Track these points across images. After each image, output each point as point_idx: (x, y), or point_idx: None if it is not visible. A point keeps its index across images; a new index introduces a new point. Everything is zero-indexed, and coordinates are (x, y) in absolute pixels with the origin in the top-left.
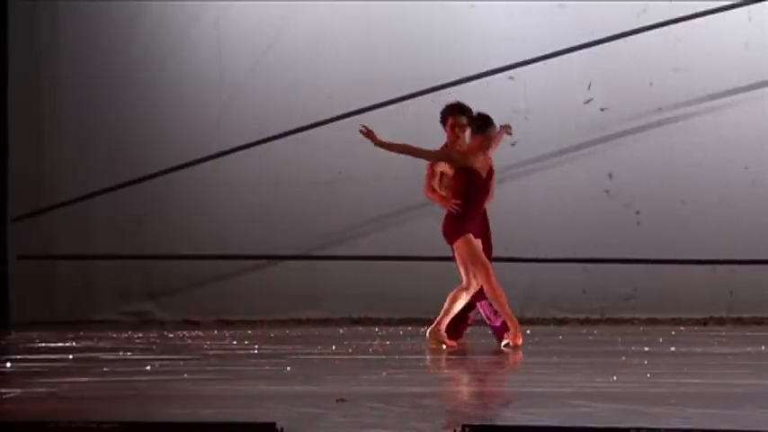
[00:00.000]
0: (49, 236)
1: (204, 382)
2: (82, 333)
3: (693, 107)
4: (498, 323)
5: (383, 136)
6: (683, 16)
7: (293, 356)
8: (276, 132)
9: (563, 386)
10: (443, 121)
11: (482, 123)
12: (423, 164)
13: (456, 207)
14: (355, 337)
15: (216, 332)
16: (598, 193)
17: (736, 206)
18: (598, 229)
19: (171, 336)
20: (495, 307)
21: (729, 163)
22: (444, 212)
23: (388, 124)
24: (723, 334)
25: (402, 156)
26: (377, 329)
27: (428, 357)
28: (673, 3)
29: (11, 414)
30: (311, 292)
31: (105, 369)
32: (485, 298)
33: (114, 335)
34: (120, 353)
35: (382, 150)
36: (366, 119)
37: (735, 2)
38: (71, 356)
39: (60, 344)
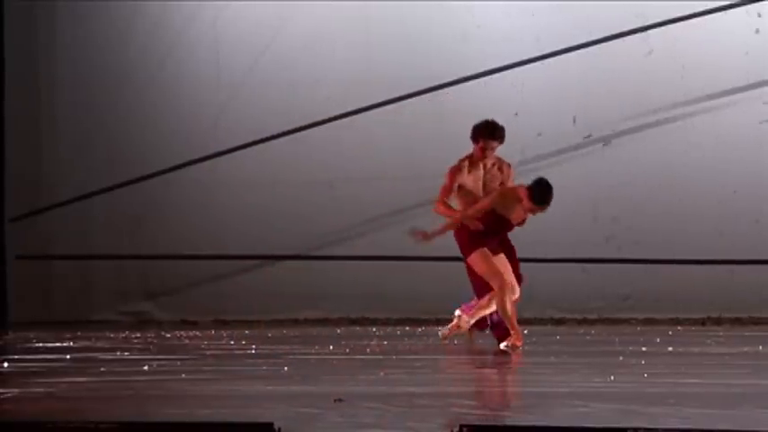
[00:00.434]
0: (46, 236)
1: (202, 382)
2: (79, 333)
3: (691, 107)
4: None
5: (381, 136)
6: (681, 16)
7: (291, 356)
8: (274, 132)
9: (561, 386)
10: (474, 139)
11: (538, 195)
12: (421, 164)
13: (479, 226)
14: (353, 337)
15: (213, 332)
16: (596, 193)
17: (733, 206)
18: (596, 228)
19: (168, 336)
20: (502, 317)
21: (727, 163)
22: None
23: (385, 124)
24: (721, 334)
25: (400, 156)
26: (374, 329)
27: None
28: (671, 3)
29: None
30: (309, 292)
31: (103, 369)
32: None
33: (112, 335)
34: (118, 353)
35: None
36: (364, 119)
37: (733, 2)
38: (69, 356)
39: (58, 344)
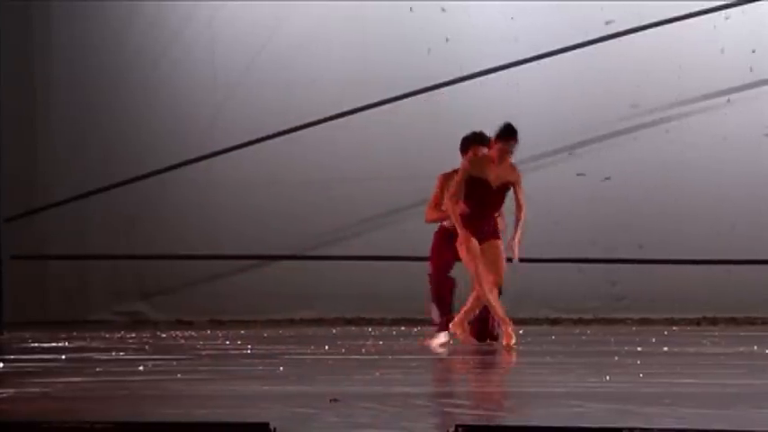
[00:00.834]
0: (42, 236)
1: (197, 382)
2: (75, 333)
3: (688, 107)
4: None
5: (377, 136)
6: (677, 16)
7: (286, 356)
8: (270, 132)
9: (556, 386)
10: (463, 150)
11: (504, 133)
12: (416, 164)
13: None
14: (348, 337)
15: (209, 332)
16: (592, 193)
17: (729, 206)
18: (592, 229)
19: (164, 336)
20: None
21: (723, 163)
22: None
23: (381, 124)
24: (716, 334)
25: (395, 156)
26: (370, 329)
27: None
28: (668, 3)
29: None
30: (304, 292)
31: (98, 369)
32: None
33: (107, 335)
34: (114, 353)
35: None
36: (359, 119)
37: (731, 2)
38: (64, 356)
39: (53, 344)
